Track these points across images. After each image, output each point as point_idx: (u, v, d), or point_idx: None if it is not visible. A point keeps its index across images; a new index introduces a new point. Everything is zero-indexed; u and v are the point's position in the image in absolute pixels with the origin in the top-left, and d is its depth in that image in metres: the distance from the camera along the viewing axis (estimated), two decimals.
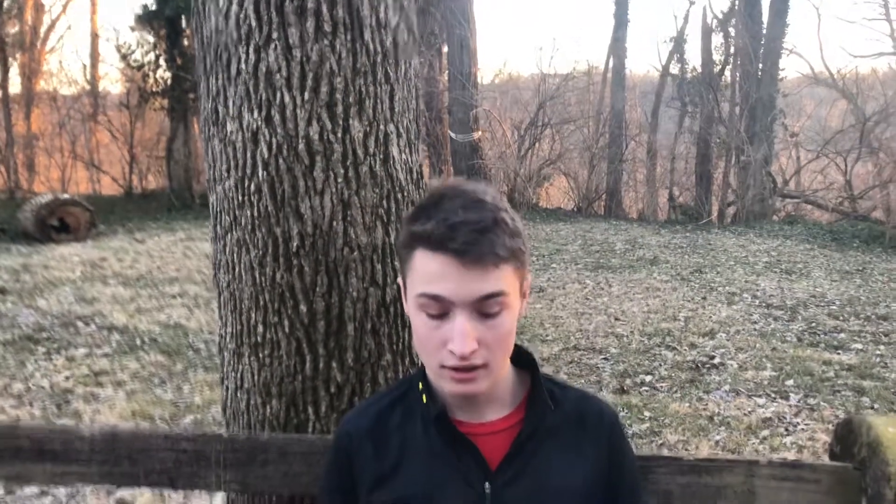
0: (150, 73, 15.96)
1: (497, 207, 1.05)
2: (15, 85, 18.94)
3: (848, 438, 1.43)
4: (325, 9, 1.58)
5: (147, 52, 15.77)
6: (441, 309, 1.03)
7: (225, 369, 1.81)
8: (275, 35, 1.58)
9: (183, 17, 15.13)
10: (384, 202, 1.66)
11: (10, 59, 18.47)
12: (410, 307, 1.09)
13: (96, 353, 5.36)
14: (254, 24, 1.58)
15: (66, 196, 11.76)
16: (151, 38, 15.64)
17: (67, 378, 4.80)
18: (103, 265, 8.89)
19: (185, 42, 15.55)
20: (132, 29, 16.02)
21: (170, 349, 5.52)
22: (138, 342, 5.68)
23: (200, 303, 7.05)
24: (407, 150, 1.72)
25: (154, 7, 15.29)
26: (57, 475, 1.49)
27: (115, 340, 5.73)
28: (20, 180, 17.44)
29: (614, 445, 1.21)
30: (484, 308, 1.02)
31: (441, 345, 1.04)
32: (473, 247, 1.00)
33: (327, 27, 1.58)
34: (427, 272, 1.03)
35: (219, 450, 1.46)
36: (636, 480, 1.27)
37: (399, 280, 1.15)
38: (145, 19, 15.50)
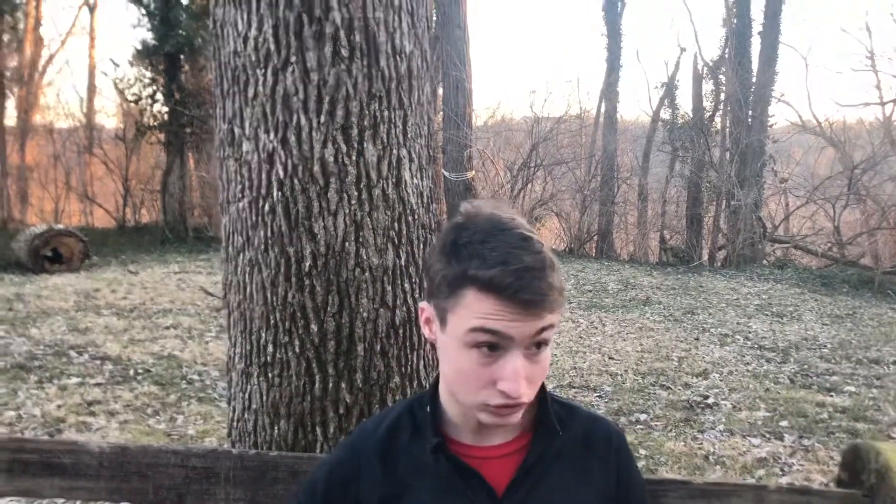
0: (148, 108, 16.07)
1: (542, 245, 1.06)
2: (11, 117, 19.04)
3: (855, 465, 1.44)
4: (342, 34, 1.62)
5: (145, 87, 15.89)
6: (496, 344, 1.03)
7: (233, 390, 1.81)
8: (293, 59, 1.62)
9: (182, 53, 15.30)
10: (396, 224, 1.69)
11: (8, 93, 18.56)
12: (454, 342, 1.07)
13: (89, 383, 5.31)
14: (272, 47, 1.63)
15: (59, 227, 11.74)
16: (150, 73, 15.78)
17: (59, 407, 4.75)
18: (96, 296, 8.85)
19: (184, 77, 15.69)
20: (131, 64, 16.17)
21: (163, 380, 5.48)
22: (131, 373, 5.63)
23: (194, 334, 7.01)
24: (419, 175, 1.75)
25: (153, 42, 15.45)
26: (65, 490, 1.47)
27: (107, 370, 5.68)
28: (13, 211, 17.41)
29: (623, 468, 1.21)
30: (536, 342, 1.04)
31: (489, 383, 1.04)
32: (538, 294, 1.01)
33: (344, 52, 1.62)
34: (483, 309, 1.02)
35: (229, 466, 1.46)
36: (645, 503, 1.26)
37: (426, 308, 1.13)
38: (144, 54, 15.65)
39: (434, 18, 14.68)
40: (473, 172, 15.63)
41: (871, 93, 24.72)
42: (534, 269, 1.02)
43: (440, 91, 16.33)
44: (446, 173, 15.44)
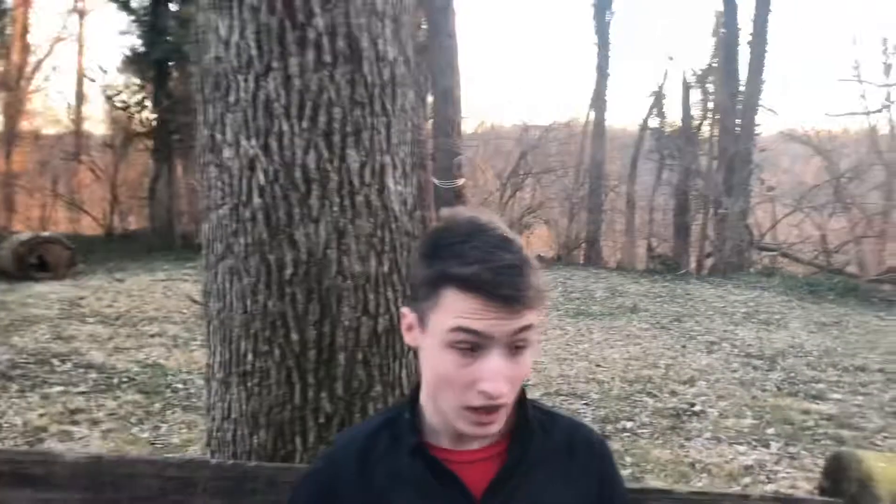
0: (136, 114, 16.01)
1: (521, 246, 1.08)
2: None
3: (837, 474, 1.44)
4: (325, 41, 1.61)
5: (133, 94, 15.84)
6: (476, 344, 1.03)
7: (212, 399, 1.79)
8: (275, 65, 1.61)
9: (171, 60, 15.24)
10: (379, 232, 1.68)
11: None
12: (434, 344, 1.07)
13: (72, 391, 5.25)
14: (254, 53, 1.61)
15: (45, 234, 11.65)
16: (138, 80, 15.73)
17: (41, 416, 4.70)
18: (82, 304, 8.78)
19: (172, 84, 15.64)
20: (119, 70, 16.12)
21: (148, 388, 5.43)
22: (115, 381, 5.59)
23: (180, 342, 6.96)
24: (402, 182, 1.74)
25: (142, 49, 15.41)
26: (37, 501, 1.44)
27: (91, 379, 5.63)
28: None
29: (605, 475, 1.20)
30: (516, 342, 1.04)
31: (469, 385, 1.04)
32: (518, 290, 1.02)
33: (327, 58, 1.61)
34: (463, 309, 1.02)
35: (206, 477, 1.43)
36: None
37: (408, 314, 1.13)
38: (133, 61, 15.61)
39: (423, 27, 14.69)
40: (464, 180, 15.65)
41: (857, 103, 24.92)
42: (513, 266, 1.03)
43: (430, 99, 16.35)
44: (436, 181, 15.45)
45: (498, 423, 1.07)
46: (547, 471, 1.14)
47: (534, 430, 1.15)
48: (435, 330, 1.06)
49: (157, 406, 5.06)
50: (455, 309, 1.03)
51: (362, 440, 1.18)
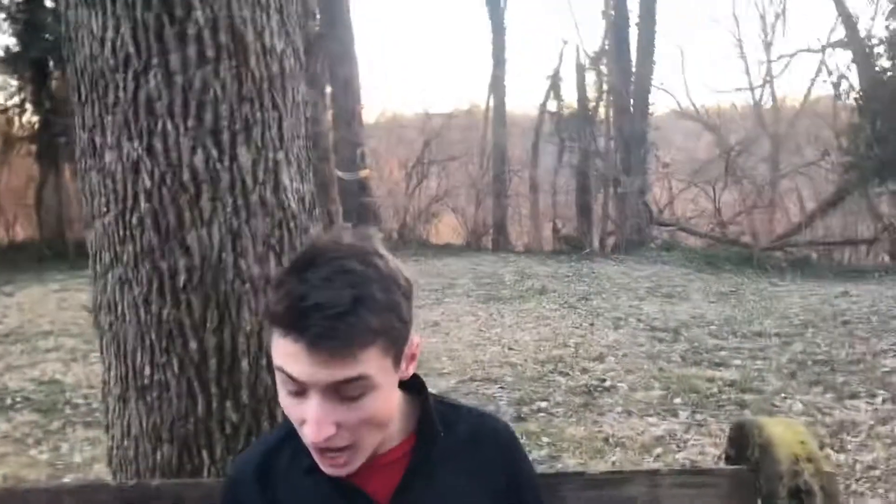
0: (16, 117, 15.14)
1: (366, 279, 0.95)
2: None
3: (741, 441, 1.48)
4: (206, 35, 1.54)
5: (11, 96, 14.97)
6: (297, 388, 0.95)
7: (110, 416, 1.70)
8: (154, 61, 1.53)
9: (50, 58, 14.45)
10: (276, 231, 1.62)
11: None
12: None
13: None
14: (132, 50, 1.53)
15: None
16: (15, 81, 14.86)
17: None
18: None
19: (54, 84, 14.85)
20: None
21: (44, 406, 5.16)
22: (8, 402, 5.28)
23: (78, 356, 6.63)
24: (298, 178, 1.68)
25: (17, 48, 14.54)
26: None
27: None
28: None
29: (513, 464, 1.18)
30: (343, 391, 0.94)
31: (300, 423, 0.98)
32: (324, 338, 0.90)
33: (210, 53, 1.54)
34: (281, 350, 0.95)
35: (107, 500, 1.35)
36: (539, 498, 1.23)
37: None
38: (8, 61, 14.72)
39: (317, 17, 14.46)
40: (367, 171, 15.53)
41: (741, 78, 26.09)
42: (330, 307, 0.91)
43: (328, 90, 16.12)
44: (339, 173, 15.27)
45: (350, 465, 1.00)
46: (453, 468, 1.12)
47: (436, 428, 1.11)
48: (274, 361, 0.99)
49: (56, 424, 4.81)
50: (276, 349, 0.96)
51: (259, 457, 1.13)
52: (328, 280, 0.93)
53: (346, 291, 0.92)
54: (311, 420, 0.94)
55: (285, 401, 0.99)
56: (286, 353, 0.94)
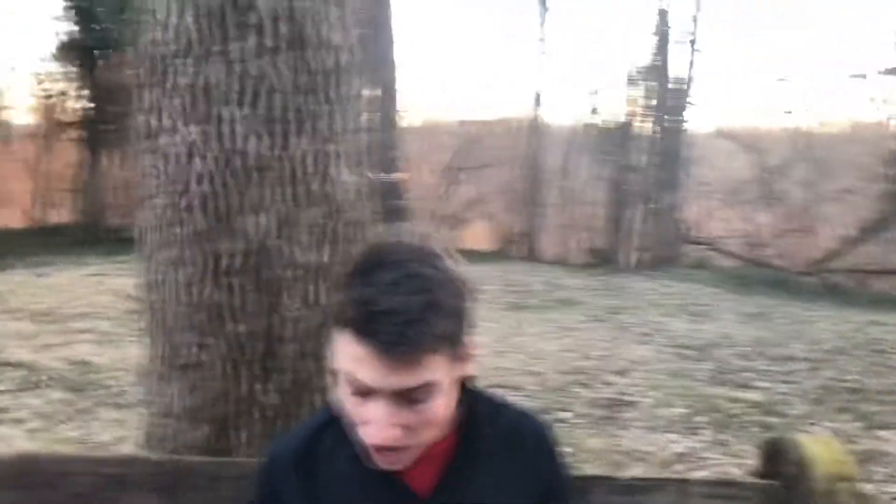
0: (64, 104, 15.44)
1: (435, 285, 0.94)
2: None
3: (775, 457, 1.48)
4: (267, 25, 1.58)
5: (62, 83, 15.26)
6: (363, 391, 0.96)
7: (150, 394, 1.74)
8: (216, 49, 1.57)
9: (102, 48, 14.71)
10: (325, 221, 1.65)
11: None
12: (340, 373, 1.01)
13: None
14: (194, 36, 1.57)
15: None
16: (68, 69, 15.16)
17: None
18: (5, 300, 8.43)
19: (100, 73, 15.12)
20: (48, 59, 15.50)
21: (76, 386, 5.25)
22: (43, 378, 5.39)
23: (112, 339, 6.74)
24: (349, 171, 1.71)
25: (70, 38, 14.85)
26: None
27: (14, 377, 5.41)
28: None
29: (552, 466, 1.20)
30: (409, 396, 0.95)
31: (364, 422, 0.98)
32: (395, 344, 0.90)
33: (269, 43, 1.58)
34: (348, 353, 0.94)
35: (144, 473, 1.39)
36: (572, 501, 1.25)
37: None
38: (61, 50, 15.03)
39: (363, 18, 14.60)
40: (403, 174, 15.61)
41: (784, 100, 25.84)
42: (401, 313, 0.91)
43: (366, 93, 16.24)
44: (372, 175, 15.35)
45: (403, 461, 1.01)
46: (494, 465, 1.13)
47: (481, 426, 1.13)
48: (336, 363, 0.99)
49: (87, 404, 4.90)
50: (343, 350, 0.96)
51: (300, 442, 1.14)
52: (397, 284, 0.92)
53: (416, 297, 0.92)
54: (377, 423, 0.95)
55: (348, 400, 0.99)
56: (354, 357, 0.93)
